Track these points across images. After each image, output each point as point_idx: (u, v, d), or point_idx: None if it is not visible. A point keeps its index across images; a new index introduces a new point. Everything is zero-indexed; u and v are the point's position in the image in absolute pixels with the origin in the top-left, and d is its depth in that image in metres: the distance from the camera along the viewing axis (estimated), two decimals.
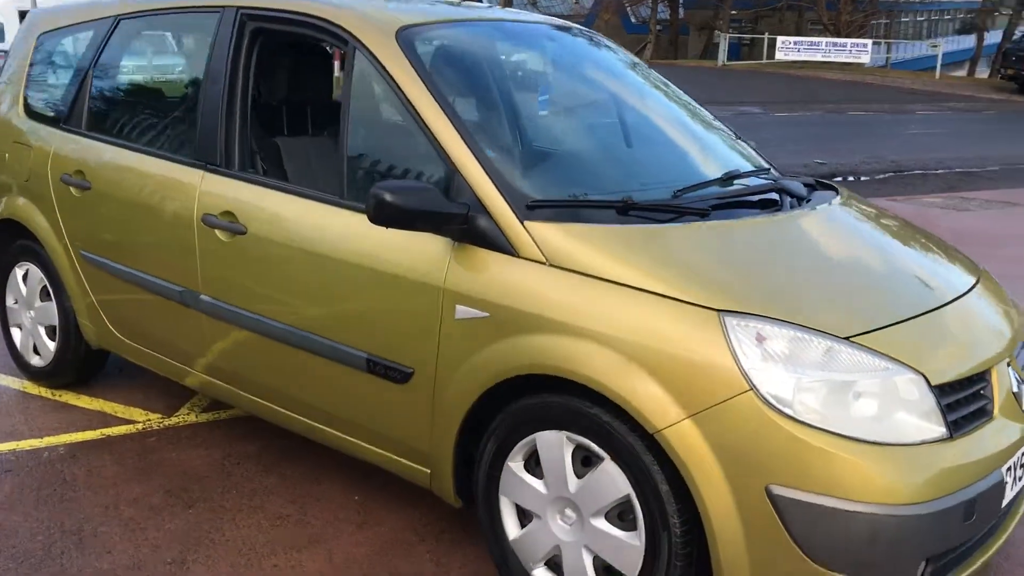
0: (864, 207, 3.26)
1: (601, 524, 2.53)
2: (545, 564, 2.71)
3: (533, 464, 2.68)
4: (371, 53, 3.03)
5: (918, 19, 46.08)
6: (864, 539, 2.22)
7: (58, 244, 4.00)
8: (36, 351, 4.34)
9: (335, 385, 3.07)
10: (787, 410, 2.24)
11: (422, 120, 2.85)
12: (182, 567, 2.95)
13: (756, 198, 3.02)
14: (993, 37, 40.65)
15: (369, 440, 3.07)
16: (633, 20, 46.33)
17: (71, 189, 3.89)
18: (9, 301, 4.44)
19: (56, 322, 4.18)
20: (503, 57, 3.51)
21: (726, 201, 2.93)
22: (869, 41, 32.75)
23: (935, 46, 33.76)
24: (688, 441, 2.30)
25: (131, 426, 3.96)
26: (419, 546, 3.10)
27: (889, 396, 2.31)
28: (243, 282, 3.26)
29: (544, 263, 2.57)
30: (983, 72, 38.54)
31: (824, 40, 32.15)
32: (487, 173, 2.71)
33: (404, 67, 2.96)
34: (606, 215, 2.70)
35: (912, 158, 14.38)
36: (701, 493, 2.31)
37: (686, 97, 3.73)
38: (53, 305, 4.17)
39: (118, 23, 3.95)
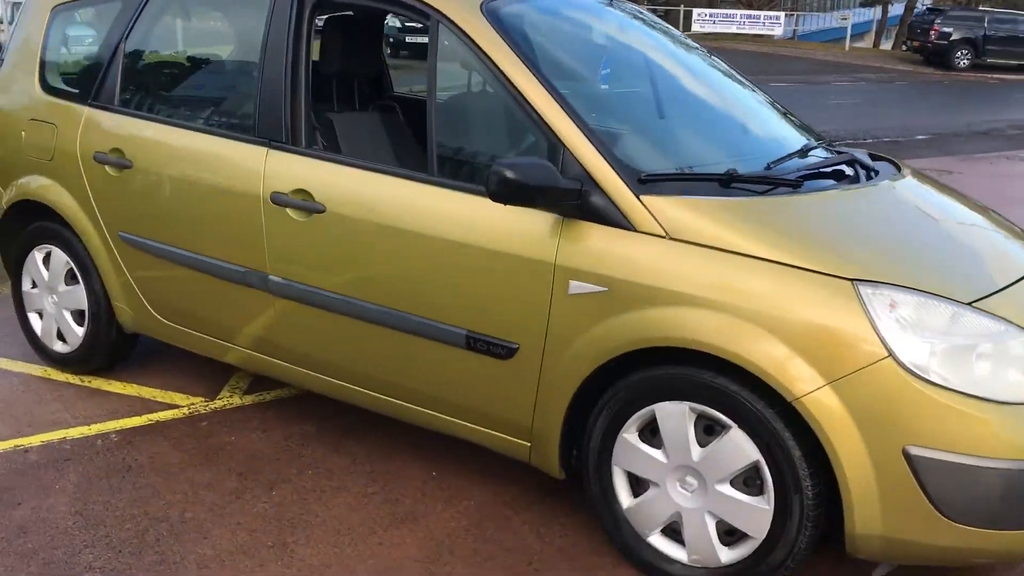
0: (929, 180, 3.40)
1: (727, 490, 2.61)
2: (660, 530, 2.78)
3: (648, 434, 2.75)
4: (458, 27, 3.02)
5: None
6: (997, 493, 2.36)
7: (90, 225, 3.87)
8: (60, 337, 4.19)
9: (427, 362, 3.07)
10: (923, 374, 2.36)
11: (521, 95, 2.86)
12: (285, 550, 2.93)
13: (830, 169, 3.12)
14: (894, 9, 42.03)
15: (462, 416, 3.09)
16: None
17: (106, 168, 3.76)
18: (26, 286, 4.27)
19: (85, 306, 4.04)
20: (582, 30, 3.53)
21: (811, 173, 3.02)
22: (782, 13, 33.53)
23: (845, 18, 34.76)
24: (827, 407, 2.40)
25: (176, 410, 3.88)
26: (514, 519, 3.14)
27: (1007, 357, 2.45)
28: (322, 262, 3.22)
29: (664, 237, 2.62)
30: (885, 44, 39.87)
31: (739, 12, 32.77)
32: (597, 148, 2.74)
33: (495, 41, 2.96)
34: (709, 187, 2.76)
35: (839, 128, 14.79)
36: (839, 457, 2.41)
37: (736, 72, 3.81)
38: (81, 288, 4.03)
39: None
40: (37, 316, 4.28)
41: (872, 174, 3.18)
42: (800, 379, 2.42)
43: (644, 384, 2.69)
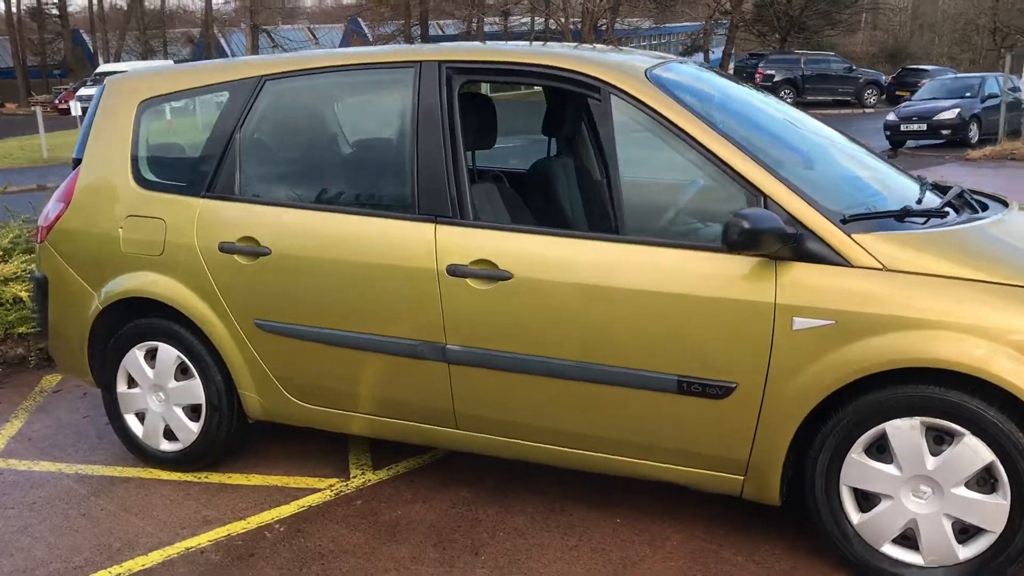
0: None
1: (962, 492, 2.90)
2: (892, 539, 3.03)
3: (874, 451, 3.00)
4: (632, 96, 3.25)
5: (641, 44, 49.91)
6: None
7: (214, 315, 3.81)
8: (168, 435, 4.06)
9: (631, 411, 3.23)
10: None
11: (712, 153, 3.11)
12: None
13: (942, 202, 3.48)
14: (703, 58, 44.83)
15: (666, 459, 3.26)
16: None
17: (235, 257, 3.73)
18: (121, 387, 4.12)
19: (202, 400, 3.95)
20: (716, 93, 3.79)
21: (943, 206, 3.38)
22: None
23: None
24: None
25: (320, 494, 3.84)
26: (722, 552, 3.31)
27: None
28: (511, 326, 3.32)
29: (882, 269, 2.91)
30: None
31: None
32: (801, 196, 3.02)
33: (672, 106, 3.21)
34: (888, 222, 3.08)
35: None
36: None
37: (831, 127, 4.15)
38: (197, 382, 3.94)
39: (263, 84, 3.83)
40: (135, 417, 4.13)
41: (983, 205, 3.56)
42: None
43: (872, 405, 2.95)
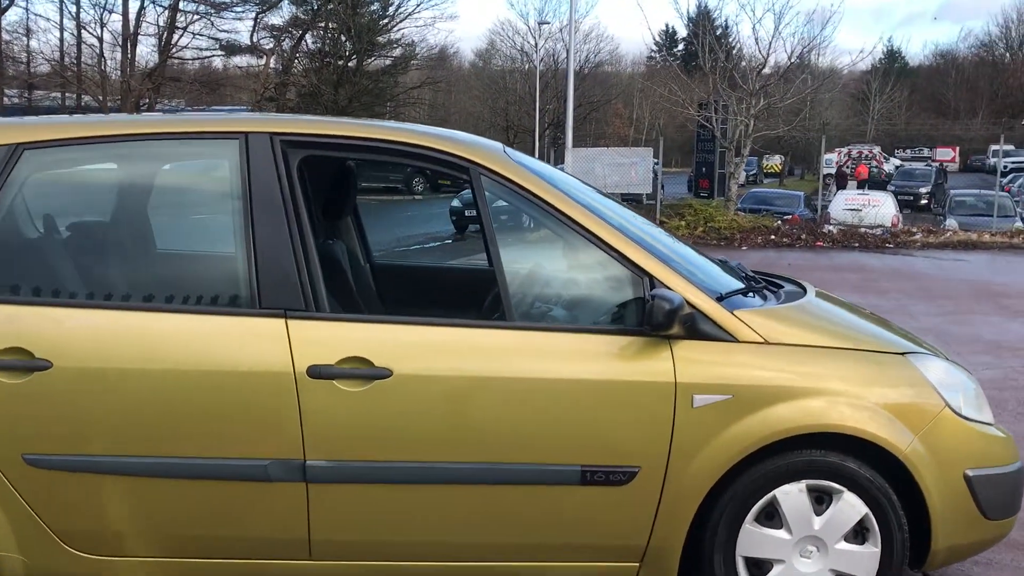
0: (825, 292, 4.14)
1: (843, 546, 3.11)
2: None
3: (763, 519, 3.10)
4: (498, 174, 3.10)
5: None
6: None
7: None
8: None
9: (528, 510, 3.01)
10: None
11: (597, 237, 3.06)
12: None
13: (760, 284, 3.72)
14: None
15: (559, 556, 3.08)
16: None
17: None
18: None
19: None
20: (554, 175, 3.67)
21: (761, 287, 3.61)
22: None
23: None
24: (922, 456, 3.06)
25: None
26: None
27: None
28: (393, 430, 2.92)
29: (763, 342, 3.05)
30: None
31: None
32: (685, 279, 3.07)
33: (545, 187, 3.11)
34: (741, 300, 3.25)
35: None
36: (931, 492, 3.07)
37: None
38: None
39: (21, 153, 3.01)
40: None
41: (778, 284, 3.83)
42: (903, 438, 3.03)
43: (765, 474, 3.03)
